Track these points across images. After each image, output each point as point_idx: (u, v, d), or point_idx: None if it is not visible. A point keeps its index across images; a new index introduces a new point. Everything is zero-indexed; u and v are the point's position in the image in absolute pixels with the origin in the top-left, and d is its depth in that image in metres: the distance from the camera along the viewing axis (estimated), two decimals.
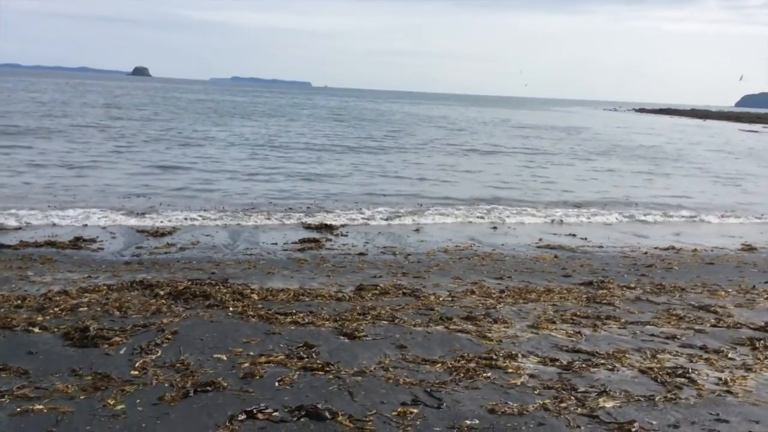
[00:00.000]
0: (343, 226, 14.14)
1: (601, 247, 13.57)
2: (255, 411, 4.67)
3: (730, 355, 6.44)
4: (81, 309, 7.05)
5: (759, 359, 6.34)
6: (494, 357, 6.14)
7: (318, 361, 5.80)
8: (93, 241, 11.50)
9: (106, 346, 5.96)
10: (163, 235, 12.35)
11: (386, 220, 15.14)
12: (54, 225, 12.67)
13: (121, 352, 5.85)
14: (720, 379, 5.79)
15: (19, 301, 7.20)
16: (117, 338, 6.12)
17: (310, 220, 14.43)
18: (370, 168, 25.18)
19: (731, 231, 16.21)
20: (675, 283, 9.94)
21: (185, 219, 13.68)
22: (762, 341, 6.81)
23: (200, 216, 14.10)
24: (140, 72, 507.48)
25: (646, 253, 13.09)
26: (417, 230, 14.35)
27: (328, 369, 5.65)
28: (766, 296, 9.22)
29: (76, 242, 11.23)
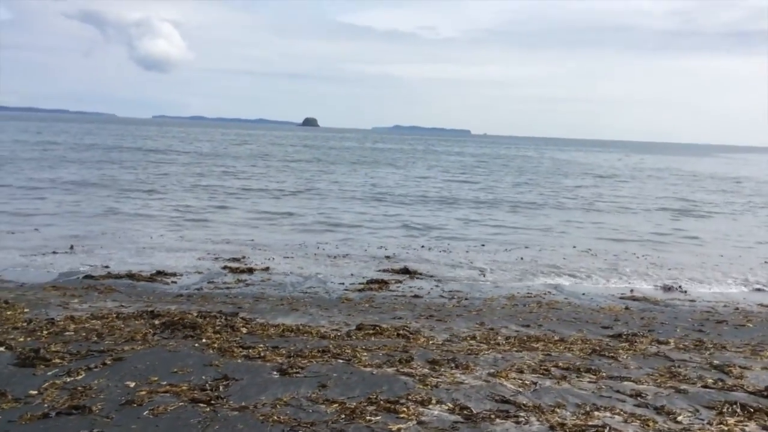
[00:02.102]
0: (423, 273, 13.43)
1: (693, 302, 11.89)
2: None
3: (679, 419, 5.17)
4: (67, 333, 7.30)
5: (709, 425, 5.06)
6: (402, 401, 5.47)
7: (211, 394, 5.49)
8: (173, 275, 12.03)
9: (43, 367, 6.09)
10: (242, 272, 12.61)
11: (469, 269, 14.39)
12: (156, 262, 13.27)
13: (49, 373, 5.93)
14: None
15: (24, 324, 7.61)
16: (57, 360, 6.22)
17: (394, 266, 14.03)
18: (491, 220, 23.27)
19: None
20: (721, 341, 8.38)
21: (270, 260, 13.91)
22: (733, 406, 5.44)
23: (286, 259, 14.21)
24: (309, 122, 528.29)
25: (737, 309, 11.28)
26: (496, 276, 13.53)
27: (213, 402, 5.32)
28: None
29: (156, 276, 11.80)
